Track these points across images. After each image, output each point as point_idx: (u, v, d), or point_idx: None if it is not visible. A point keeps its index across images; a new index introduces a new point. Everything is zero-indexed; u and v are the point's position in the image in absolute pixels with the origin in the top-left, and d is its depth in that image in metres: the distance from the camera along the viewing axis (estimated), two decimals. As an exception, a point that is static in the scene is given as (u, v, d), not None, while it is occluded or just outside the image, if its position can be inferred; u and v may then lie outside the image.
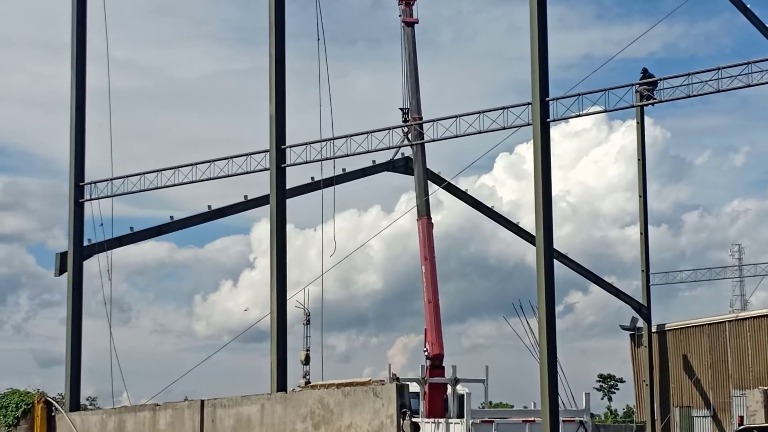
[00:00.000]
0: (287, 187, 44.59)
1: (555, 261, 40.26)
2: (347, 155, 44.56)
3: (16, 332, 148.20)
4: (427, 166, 56.44)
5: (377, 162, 55.51)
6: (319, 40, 46.92)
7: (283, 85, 44.38)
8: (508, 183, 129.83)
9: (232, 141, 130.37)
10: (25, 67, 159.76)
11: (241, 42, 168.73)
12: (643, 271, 66.63)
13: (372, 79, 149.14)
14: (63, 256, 48.99)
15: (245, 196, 50.29)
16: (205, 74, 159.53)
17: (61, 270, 48.91)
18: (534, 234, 40.18)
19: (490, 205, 62.49)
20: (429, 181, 56.44)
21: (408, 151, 55.90)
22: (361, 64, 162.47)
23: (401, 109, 56.27)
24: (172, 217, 50.52)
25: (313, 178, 48.82)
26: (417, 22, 58.15)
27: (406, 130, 53.87)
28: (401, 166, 56.81)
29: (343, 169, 45.46)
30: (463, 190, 59.92)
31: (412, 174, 56.21)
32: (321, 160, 44.75)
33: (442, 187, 56.38)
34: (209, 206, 50.49)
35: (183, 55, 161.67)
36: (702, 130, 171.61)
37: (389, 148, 46.58)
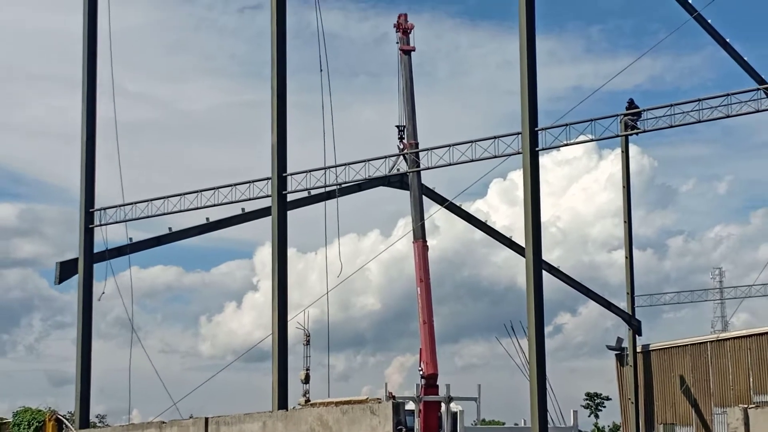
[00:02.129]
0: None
1: (549, 276, 40.06)
2: (346, 183, 44.57)
3: (29, 352, 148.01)
4: (424, 185, 56.25)
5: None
6: (321, 71, 46.93)
7: (284, 117, 44.48)
8: (501, 208, 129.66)
9: (237, 169, 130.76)
10: (43, 100, 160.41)
11: (247, 76, 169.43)
12: (628, 293, 66.45)
13: (372, 110, 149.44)
14: (63, 264, 49.00)
15: (242, 209, 48.77)
16: (212, 106, 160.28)
17: (61, 278, 48.84)
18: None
19: (481, 230, 61.95)
20: (428, 200, 56.30)
21: (403, 168, 55.70)
22: (362, 96, 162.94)
23: (397, 126, 56.64)
24: (170, 229, 50.11)
25: (309, 192, 48.06)
26: (414, 50, 58.64)
27: (402, 147, 54.09)
28: (396, 181, 56.36)
29: (339, 184, 45.15)
30: (458, 205, 59.10)
31: (407, 189, 56.02)
32: (320, 187, 44.76)
33: (444, 207, 55.71)
34: (207, 218, 49.35)
35: (192, 88, 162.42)
36: (687, 159, 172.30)
37: (386, 176, 46.61)
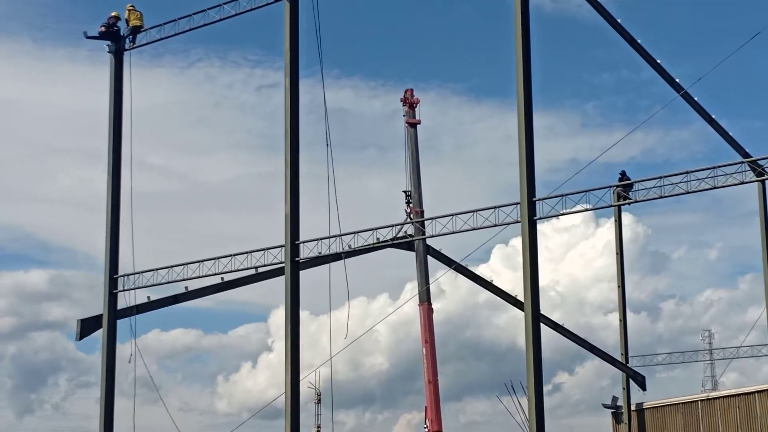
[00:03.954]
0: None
1: (548, 336, 39.86)
2: (355, 250, 44.70)
3: (55, 410, 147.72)
4: (431, 247, 56.21)
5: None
6: (328, 145, 47.06)
7: (297, 187, 44.74)
8: (503, 273, 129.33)
9: (253, 235, 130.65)
10: (70, 172, 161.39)
11: (263, 149, 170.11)
12: (622, 354, 66.41)
13: (380, 180, 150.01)
14: (83, 322, 49.04)
15: (256, 269, 47.29)
16: (231, 178, 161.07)
17: (82, 335, 48.92)
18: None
19: (487, 290, 61.59)
20: (435, 261, 56.29)
21: (410, 230, 55.71)
22: (370, 168, 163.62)
23: (405, 191, 57.12)
24: (186, 288, 49.47)
25: (320, 252, 47.34)
26: (419, 123, 59.41)
27: (409, 211, 54.41)
28: (404, 243, 56.24)
29: (349, 245, 44.93)
30: (464, 265, 58.80)
31: (413, 250, 56.06)
32: (331, 255, 44.84)
33: (452, 268, 55.49)
34: (222, 278, 48.46)
35: (212, 161, 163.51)
36: (678, 227, 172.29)
37: (392, 245, 46.78)
